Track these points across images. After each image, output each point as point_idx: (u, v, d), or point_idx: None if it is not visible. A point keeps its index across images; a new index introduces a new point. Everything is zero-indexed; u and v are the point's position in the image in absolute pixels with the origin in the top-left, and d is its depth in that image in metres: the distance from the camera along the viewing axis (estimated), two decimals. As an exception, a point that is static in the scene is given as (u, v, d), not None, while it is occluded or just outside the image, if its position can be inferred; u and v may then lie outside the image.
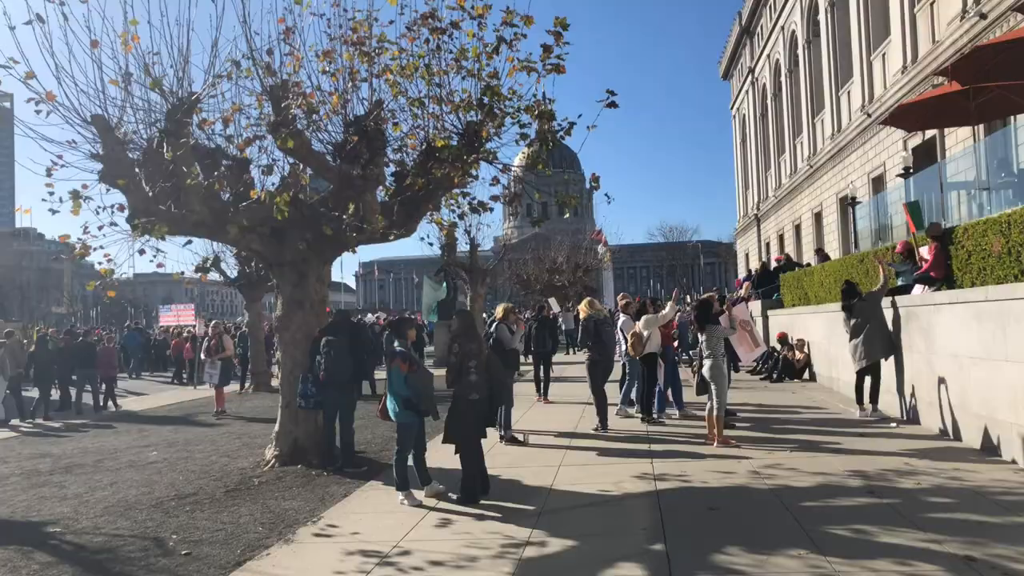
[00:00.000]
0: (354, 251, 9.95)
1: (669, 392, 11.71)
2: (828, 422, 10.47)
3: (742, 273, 55.74)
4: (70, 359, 17.40)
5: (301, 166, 8.87)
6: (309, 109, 7.50)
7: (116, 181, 7.89)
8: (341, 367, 8.77)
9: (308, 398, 8.91)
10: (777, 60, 39.78)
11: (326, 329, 9.08)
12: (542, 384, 14.78)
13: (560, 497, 7.15)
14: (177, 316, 40.36)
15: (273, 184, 9.21)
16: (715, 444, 9.02)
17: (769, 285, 21.46)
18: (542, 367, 15.02)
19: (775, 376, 15.68)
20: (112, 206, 8.52)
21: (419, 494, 7.23)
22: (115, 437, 12.99)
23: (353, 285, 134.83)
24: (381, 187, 8.59)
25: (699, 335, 9.32)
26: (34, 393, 16.88)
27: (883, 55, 24.65)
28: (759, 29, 43.72)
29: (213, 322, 17.95)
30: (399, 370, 7.11)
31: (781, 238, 41.61)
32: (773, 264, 23.81)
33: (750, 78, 46.93)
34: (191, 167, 7.48)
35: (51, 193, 8.19)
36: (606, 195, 8.58)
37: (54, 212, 8.17)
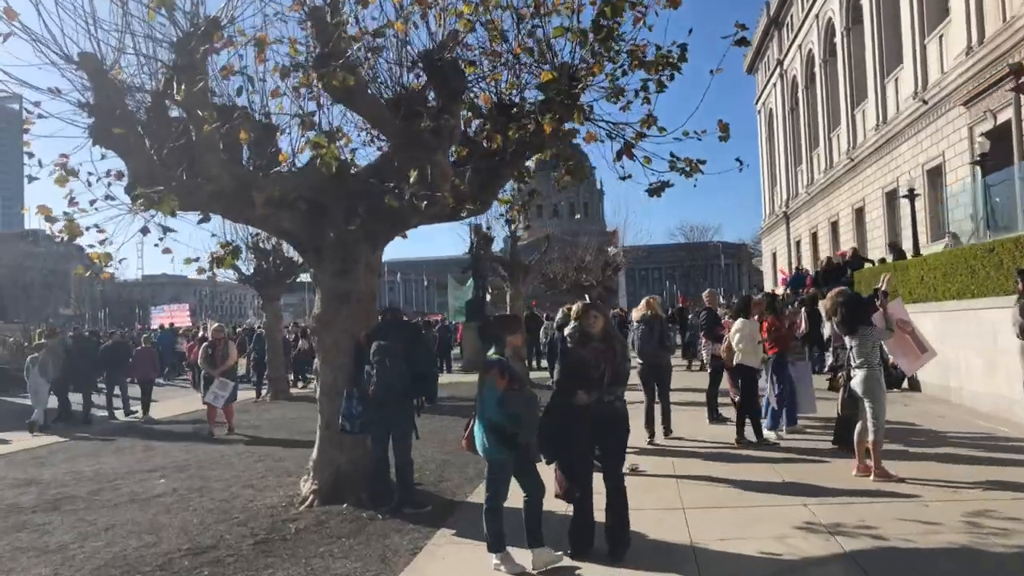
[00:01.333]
0: (404, 235, 8.02)
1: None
2: (987, 444, 8.52)
3: (767, 273, 53.78)
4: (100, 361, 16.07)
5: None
6: (375, 32, 5.60)
7: (110, 137, 6.02)
8: (397, 379, 6.87)
9: (354, 419, 6.99)
10: (810, 50, 37.83)
11: (375, 331, 7.18)
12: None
13: (714, 562, 5.21)
14: (171, 316, 38.32)
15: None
16: (872, 477, 7.10)
17: (835, 283, 19.62)
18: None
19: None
20: (108, 174, 6.67)
21: (522, 556, 5.31)
22: (116, 457, 11.11)
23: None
24: (454, 147, 6.64)
25: (848, 339, 7.39)
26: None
27: (940, 37, 22.74)
28: (789, 19, 41.79)
29: (215, 325, 15.81)
30: (495, 385, 5.21)
31: (814, 236, 39.68)
32: (836, 260, 21.81)
33: (778, 71, 44.92)
34: (208, 111, 5.58)
35: (30, 155, 6.35)
36: (737, 160, 6.70)
37: (31, 180, 6.32)
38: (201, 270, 7.51)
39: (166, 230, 5.98)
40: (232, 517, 7.08)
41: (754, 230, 75.66)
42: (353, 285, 7.25)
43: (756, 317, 9.71)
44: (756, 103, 53.48)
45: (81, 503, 8.07)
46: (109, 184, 6.62)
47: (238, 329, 32.16)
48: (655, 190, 6.55)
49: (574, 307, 6.67)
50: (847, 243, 32.65)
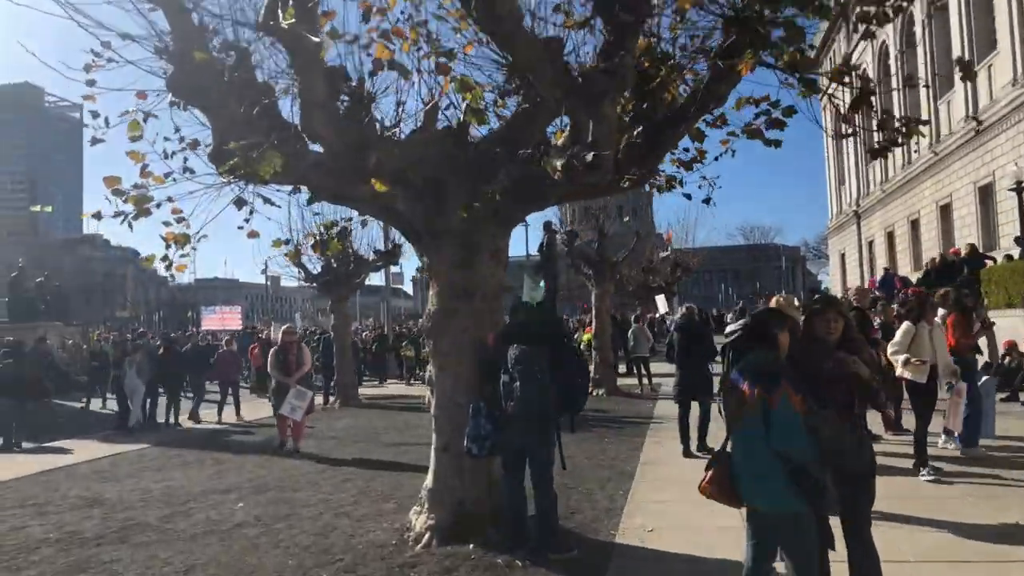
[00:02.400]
0: (524, 221, 6.70)
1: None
2: None
3: (836, 275, 51.27)
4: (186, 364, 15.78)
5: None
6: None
7: (192, 89, 4.83)
8: (542, 393, 5.51)
9: (482, 440, 5.65)
10: (883, 41, 35.56)
11: (510, 332, 5.85)
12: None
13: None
14: (222, 318, 37.37)
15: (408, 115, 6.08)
16: None
17: (948, 282, 17.80)
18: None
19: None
20: (183, 142, 5.50)
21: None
22: (184, 472, 10.00)
23: (410, 291, 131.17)
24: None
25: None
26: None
27: (1044, 19, 20.78)
28: (859, 7, 39.48)
29: (285, 326, 14.48)
30: (790, 407, 3.60)
31: (890, 235, 37.43)
32: (950, 258, 19.96)
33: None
34: (318, 36, 4.33)
35: (95, 115, 5.20)
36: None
37: (95, 142, 5.16)
38: (292, 256, 6.28)
39: (265, 200, 4.73)
40: (334, 558, 5.79)
41: (817, 231, 72.65)
42: (478, 277, 5.93)
43: (938, 317, 8.20)
44: (820, 98, 51.08)
45: (152, 533, 6.89)
46: (186, 160, 5.47)
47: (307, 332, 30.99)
48: (879, 151, 5.13)
49: (774, 300, 5.28)
50: (929, 242, 30.62)
